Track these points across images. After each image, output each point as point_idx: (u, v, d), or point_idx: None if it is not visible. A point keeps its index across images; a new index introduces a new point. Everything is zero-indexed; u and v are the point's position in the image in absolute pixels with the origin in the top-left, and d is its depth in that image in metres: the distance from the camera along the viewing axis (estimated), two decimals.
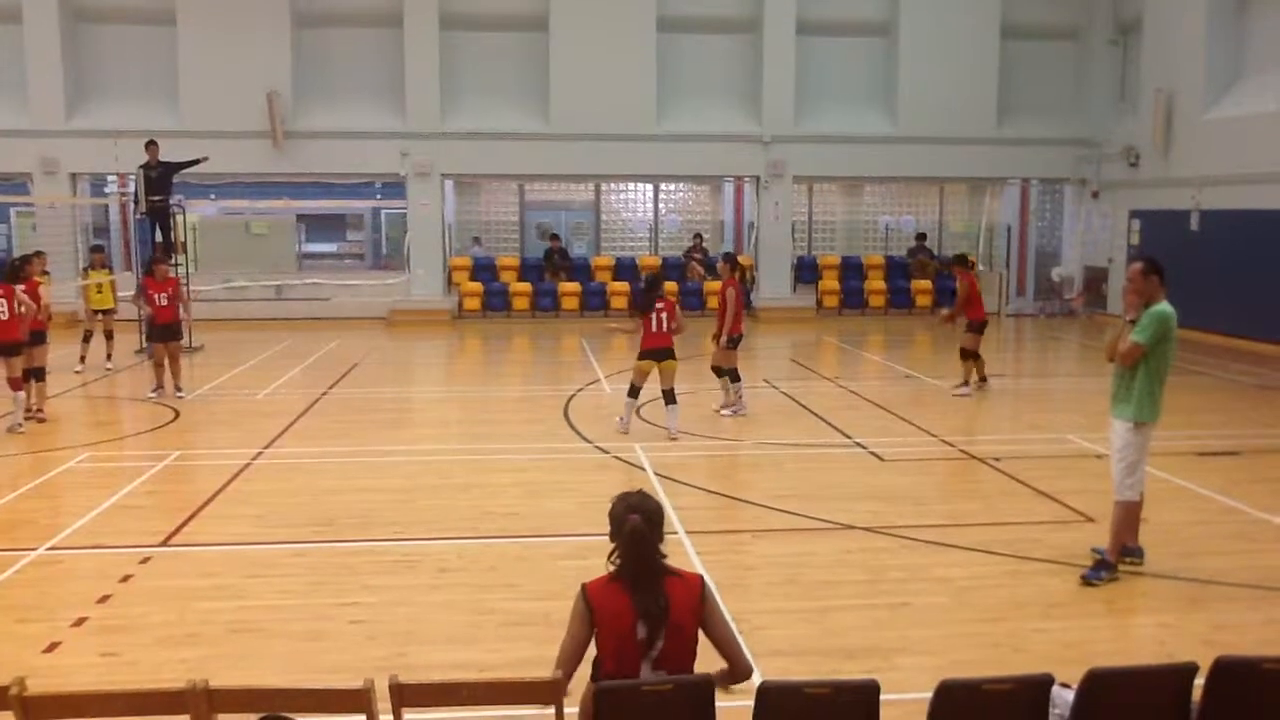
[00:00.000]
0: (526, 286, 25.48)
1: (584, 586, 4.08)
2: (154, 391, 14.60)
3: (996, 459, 11.06)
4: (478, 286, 25.26)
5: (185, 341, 17.40)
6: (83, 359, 16.77)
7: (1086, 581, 7.35)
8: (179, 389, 14.71)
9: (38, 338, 13.20)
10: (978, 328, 15.12)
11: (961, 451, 11.45)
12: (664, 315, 11.92)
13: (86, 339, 16.94)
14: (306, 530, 8.60)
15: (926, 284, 26.30)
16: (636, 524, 4.03)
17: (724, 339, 13.28)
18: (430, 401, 15.95)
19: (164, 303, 14.72)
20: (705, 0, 25.41)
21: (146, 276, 15.34)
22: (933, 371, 17.12)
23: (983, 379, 15.25)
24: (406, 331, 23.15)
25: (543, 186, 27.82)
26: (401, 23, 24.73)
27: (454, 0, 24.80)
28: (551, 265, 26.12)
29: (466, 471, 10.89)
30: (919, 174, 26.63)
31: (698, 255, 24.60)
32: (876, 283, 26.45)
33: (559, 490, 9.96)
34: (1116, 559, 7.49)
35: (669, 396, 12.07)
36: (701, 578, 4.17)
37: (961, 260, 15.84)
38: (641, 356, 12.01)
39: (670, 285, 25.37)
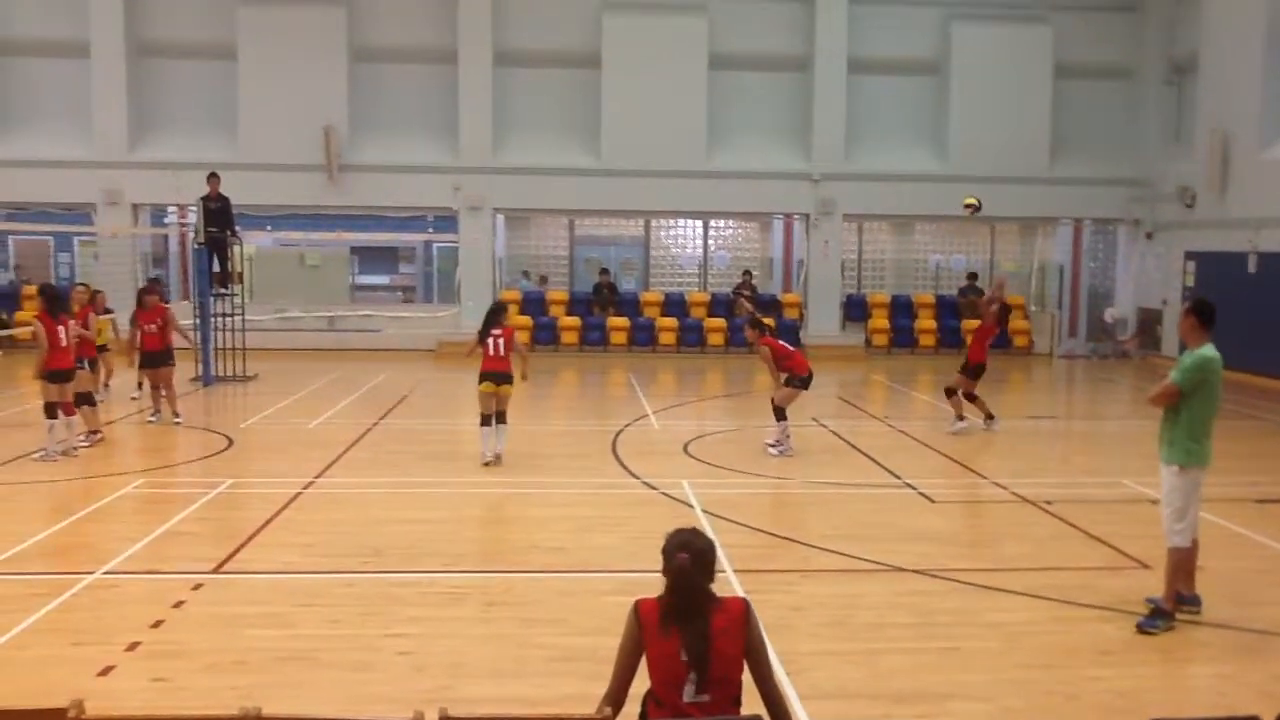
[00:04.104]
0: (575, 321, 25.62)
1: (636, 603, 4.17)
2: (153, 416, 15.08)
3: (1048, 502, 10.90)
4: (527, 320, 25.42)
5: (242, 370, 17.77)
6: (140, 385, 17.05)
7: (1142, 630, 7.22)
8: (176, 415, 15.00)
9: (86, 365, 13.51)
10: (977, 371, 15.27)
11: (1013, 494, 11.31)
12: (500, 341, 12.39)
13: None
14: (355, 560, 8.66)
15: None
16: (683, 563, 4.09)
17: (785, 379, 13.32)
18: (478, 434, 16.00)
19: (153, 331, 15.11)
20: (757, 38, 25.60)
21: (137, 308, 15.65)
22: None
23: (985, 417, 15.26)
24: (455, 364, 23.27)
25: (593, 221, 28.03)
26: (456, 59, 25.12)
27: (507, 37, 25.18)
28: (600, 300, 26.25)
29: (513, 505, 10.94)
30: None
31: (746, 292, 24.60)
32: (927, 322, 26.32)
33: (606, 525, 9.95)
34: (1173, 607, 7.35)
35: (501, 417, 12.47)
36: (745, 602, 4.24)
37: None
38: (480, 380, 12.46)
39: (718, 322, 25.57)
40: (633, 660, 4.14)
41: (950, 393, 15.28)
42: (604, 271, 26.84)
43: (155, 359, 15.09)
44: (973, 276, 27.04)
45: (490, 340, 12.46)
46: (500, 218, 26.57)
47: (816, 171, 25.56)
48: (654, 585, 4.27)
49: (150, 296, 15.60)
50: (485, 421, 12.49)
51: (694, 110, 25.26)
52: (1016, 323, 26.43)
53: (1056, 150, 25.84)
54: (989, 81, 25.28)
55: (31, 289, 25.34)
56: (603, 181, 25.22)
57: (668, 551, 4.14)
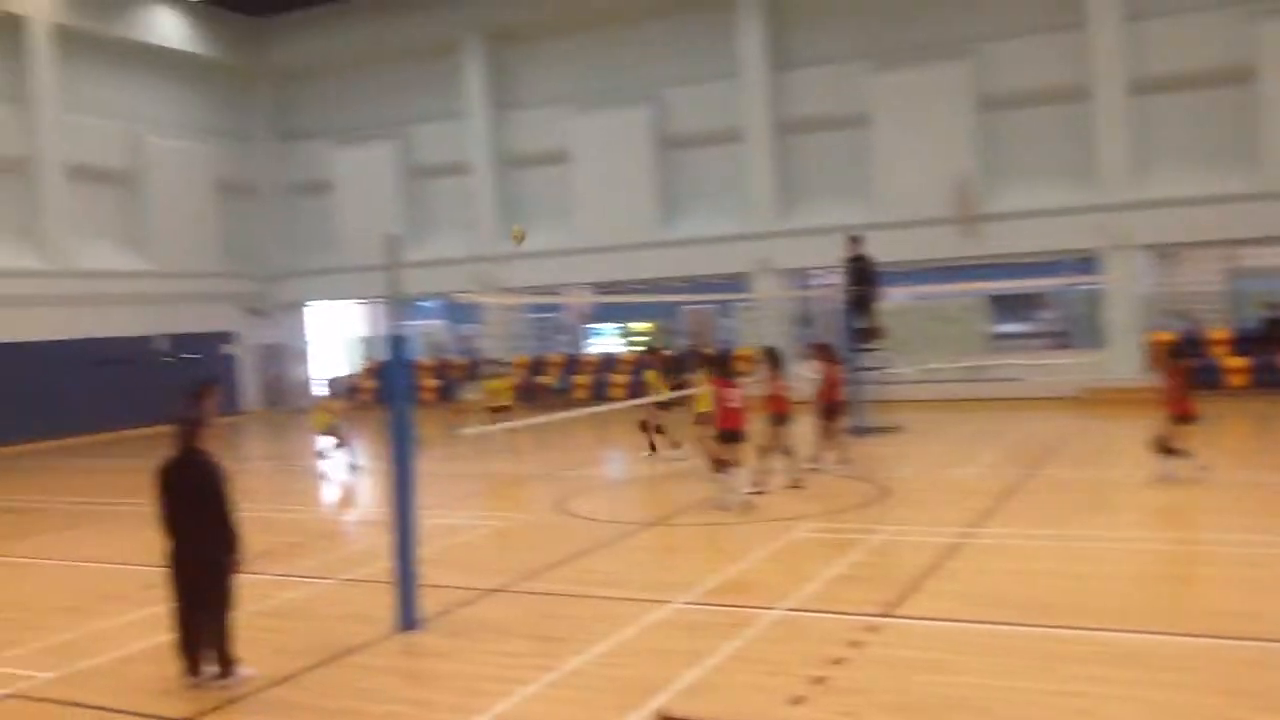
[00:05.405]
0: (1242, 361, 23.20)
1: None
2: (831, 466, 15.92)
3: None
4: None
5: (887, 422, 18.48)
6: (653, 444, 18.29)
7: None
8: (839, 463, 15.88)
9: (780, 419, 14.81)
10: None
11: None
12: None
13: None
14: (1020, 612, 8.56)
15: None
16: None
17: None
18: (1135, 485, 15.06)
19: (827, 385, 15.99)
20: None
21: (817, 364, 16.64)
22: None
23: None
24: (1103, 412, 22.20)
25: (1255, 251, 25.25)
26: (1088, 93, 24.24)
27: (1144, 63, 23.84)
28: (1271, 337, 23.51)
29: (1184, 562, 10.20)
30: None
31: None
32: None
33: None
34: None
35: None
36: None
37: None
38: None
39: None
40: None
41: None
42: (1274, 306, 24.03)
43: (831, 410, 16.26)
44: None
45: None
46: (1146, 255, 24.97)
47: None
48: None
49: (823, 354, 16.88)
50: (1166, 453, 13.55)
51: None
52: None
53: None
54: None
55: (704, 353, 28.56)
56: (1263, 206, 22.69)
57: None
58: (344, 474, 18.55)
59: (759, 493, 14.19)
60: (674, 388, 17.95)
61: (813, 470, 15.59)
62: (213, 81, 32.74)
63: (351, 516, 15.90)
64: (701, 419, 15.68)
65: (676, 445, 17.91)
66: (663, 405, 17.68)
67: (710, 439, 15.53)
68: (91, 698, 7.66)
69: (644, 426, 18.21)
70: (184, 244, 30.59)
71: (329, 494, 17.62)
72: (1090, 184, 24.44)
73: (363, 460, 19.25)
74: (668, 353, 21.14)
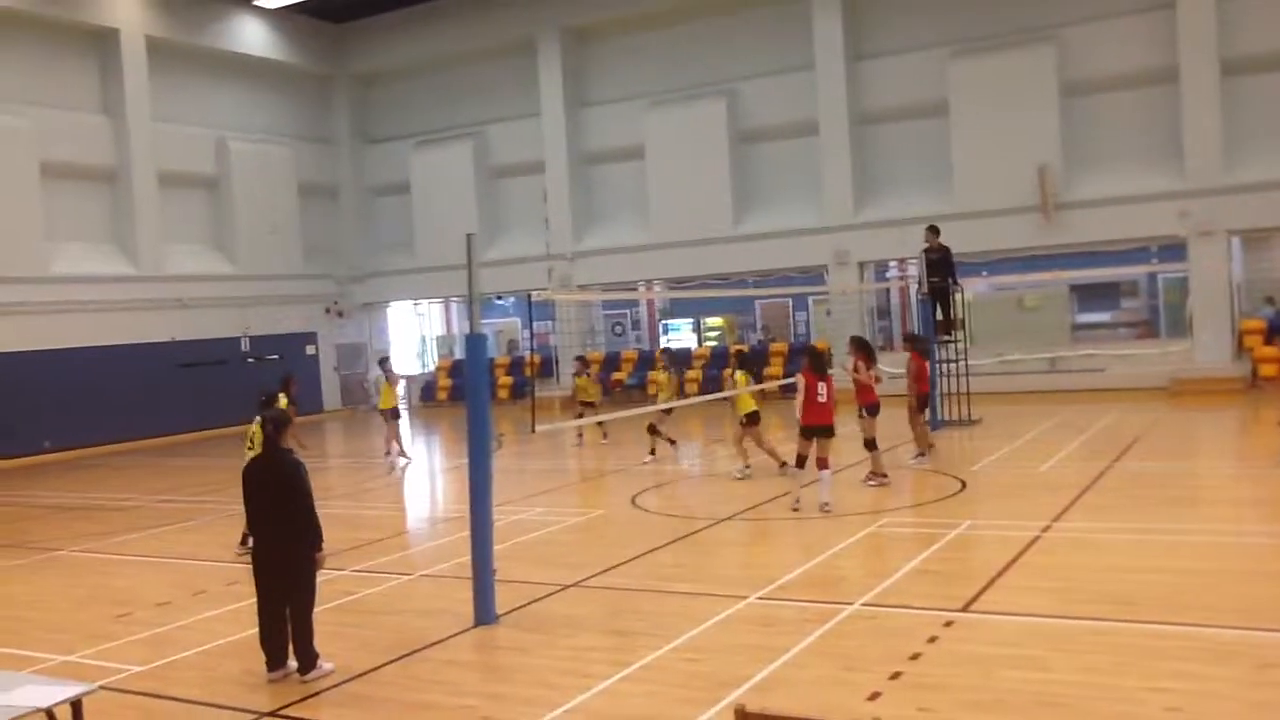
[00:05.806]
0: None
1: None
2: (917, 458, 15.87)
3: None
4: (1274, 351, 22.78)
5: (967, 414, 18.21)
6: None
7: None
8: (921, 454, 15.89)
9: (872, 410, 14.62)
10: None
11: None
12: None
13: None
14: (1105, 608, 8.35)
15: None
16: None
17: None
18: (1225, 479, 14.66)
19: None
20: None
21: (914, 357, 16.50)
22: None
23: None
24: (1190, 403, 21.61)
25: None
26: (1176, 76, 23.54)
27: (1236, 44, 23.03)
28: None
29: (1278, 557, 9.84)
30: None
31: None
32: None
33: None
34: None
35: None
36: None
37: None
38: None
39: None
40: None
41: None
42: None
43: (917, 402, 16.16)
44: None
45: None
46: (1235, 240, 24.22)
47: None
48: None
49: (913, 345, 16.92)
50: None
51: None
52: None
53: None
54: None
55: (779, 346, 28.43)
56: None
57: None
58: (390, 464, 19.52)
59: (881, 485, 14.18)
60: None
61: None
62: (295, 87, 33.36)
63: (429, 513, 16.11)
64: (749, 420, 15.55)
65: (673, 443, 18.25)
66: (666, 410, 17.82)
67: (756, 434, 15.51)
68: (178, 690, 7.85)
69: (652, 429, 18.22)
70: (267, 246, 31.20)
71: (407, 491, 17.88)
72: (1177, 169, 23.73)
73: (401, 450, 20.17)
74: (741, 347, 21.01)
